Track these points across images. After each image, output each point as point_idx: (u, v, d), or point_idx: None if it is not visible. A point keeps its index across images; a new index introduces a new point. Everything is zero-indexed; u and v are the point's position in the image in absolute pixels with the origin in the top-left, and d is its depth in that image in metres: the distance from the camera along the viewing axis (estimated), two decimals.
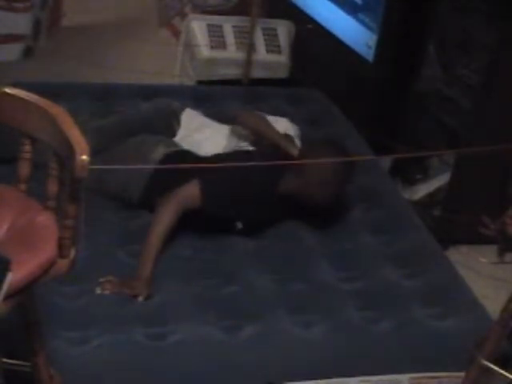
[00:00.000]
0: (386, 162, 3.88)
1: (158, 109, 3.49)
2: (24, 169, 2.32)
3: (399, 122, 3.86)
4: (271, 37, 4.67)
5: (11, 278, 1.82)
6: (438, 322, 2.87)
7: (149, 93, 3.81)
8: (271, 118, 3.42)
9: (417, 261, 3.14)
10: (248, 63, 4.51)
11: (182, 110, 3.48)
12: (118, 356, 2.54)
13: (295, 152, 3.21)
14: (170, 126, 3.43)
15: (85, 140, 2.11)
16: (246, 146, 3.36)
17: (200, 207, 3.01)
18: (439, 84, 3.71)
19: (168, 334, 2.61)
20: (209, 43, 4.55)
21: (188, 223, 3.02)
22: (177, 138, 3.41)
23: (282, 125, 3.43)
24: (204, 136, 3.41)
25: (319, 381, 2.70)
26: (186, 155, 3.26)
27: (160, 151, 3.22)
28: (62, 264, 2.16)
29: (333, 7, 4.23)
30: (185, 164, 3.08)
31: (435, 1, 3.73)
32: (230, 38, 4.61)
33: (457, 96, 3.61)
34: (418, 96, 3.85)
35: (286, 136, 3.35)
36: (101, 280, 2.76)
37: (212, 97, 3.97)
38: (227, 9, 4.95)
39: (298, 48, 4.67)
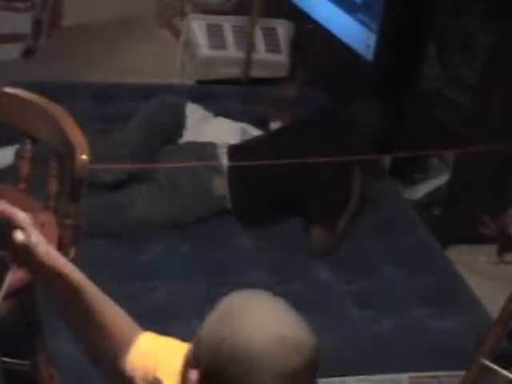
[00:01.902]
0: (386, 161, 3.87)
1: (164, 102, 3.54)
2: (24, 168, 2.32)
3: (399, 121, 3.85)
4: (271, 36, 4.66)
5: (11, 277, 1.82)
6: (438, 321, 2.87)
7: (149, 93, 3.81)
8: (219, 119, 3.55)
9: (417, 260, 3.14)
10: (248, 63, 4.51)
11: (185, 103, 3.55)
12: None
13: None
14: (177, 117, 3.48)
15: (85, 140, 2.11)
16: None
17: None
18: (439, 84, 3.71)
19: (168, 333, 2.61)
20: (208, 43, 4.55)
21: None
22: (185, 128, 3.50)
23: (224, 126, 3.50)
24: (217, 128, 3.54)
25: (319, 380, 2.70)
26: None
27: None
28: None
29: (332, 7, 4.23)
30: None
31: (435, 1, 3.73)
32: (229, 37, 4.60)
33: (457, 96, 3.60)
34: (417, 96, 3.84)
35: None
36: None
37: (212, 96, 3.97)
38: (227, 9, 4.94)
39: (298, 48, 4.67)
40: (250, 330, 1.32)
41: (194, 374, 1.36)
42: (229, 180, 3.19)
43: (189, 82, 4.54)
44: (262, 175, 3.19)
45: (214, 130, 3.52)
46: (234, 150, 3.29)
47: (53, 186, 2.25)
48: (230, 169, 3.21)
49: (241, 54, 4.52)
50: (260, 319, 1.34)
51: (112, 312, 1.56)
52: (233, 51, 4.57)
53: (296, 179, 3.18)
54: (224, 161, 3.24)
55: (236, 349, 1.31)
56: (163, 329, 2.61)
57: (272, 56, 4.63)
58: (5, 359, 2.25)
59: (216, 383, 1.33)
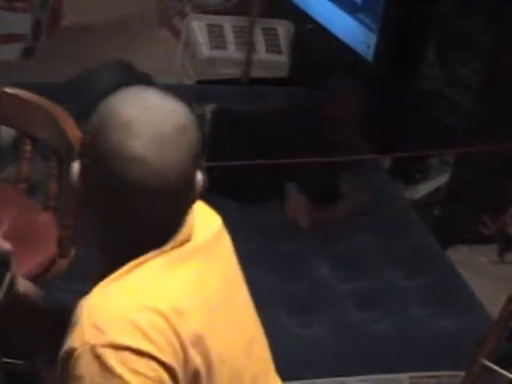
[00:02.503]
0: (386, 161, 3.88)
1: None
2: (24, 169, 2.32)
3: (399, 121, 3.85)
4: (271, 37, 4.66)
5: (10, 277, 1.82)
6: (438, 321, 2.87)
7: None
8: None
9: (417, 261, 3.14)
10: (248, 63, 4.51)
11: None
12: None
13: None
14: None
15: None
16: None
17: None
18: (439, 84, 3.71)
19: None
20: (209, 43, 4.55)
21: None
22: None
23: None
24: None
25: (319, 380, 2.70)
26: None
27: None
28: (62, 263, 2.16)
29: (333, 7, 4.23)
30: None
31: (435, 1, 3.73)
32: (229, 37, 4.60)
33: (457, 96, 3.61)
34: (418, 96, 3.85)
35: None
36: None
37: (212, 96, 3.96)
38: (227, 9, 4.94)
39: (298, 48, 4.67)
40: (119, 105, 1.36)
41: (76, 164, 1.40)
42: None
43: (189, 82, 4.54)
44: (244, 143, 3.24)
45: None
46: (219, 113, 3.42)
47: (53, 187, 2.24)
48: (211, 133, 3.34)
49: (241, 55, 4.52)
50: (127, 99, 1.38)
51: None
52: (233, 51, 4.57)
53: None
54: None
55: (107, 121, 1.34)
56: None
57: (272, 56, 4.64)
58: (5, 359, 2.25)
59: (95, 163, 1.35)
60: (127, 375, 1.29)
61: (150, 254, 1.38)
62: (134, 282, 1.37)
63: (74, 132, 2.14)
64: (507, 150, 3.27)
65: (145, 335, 1.31)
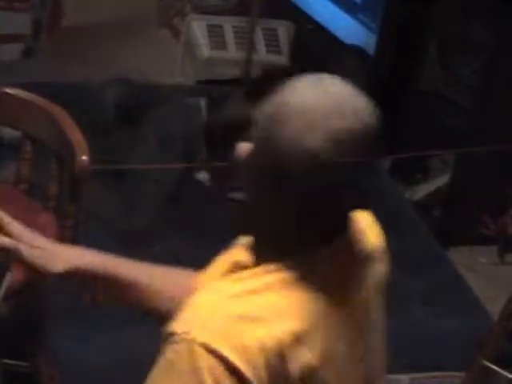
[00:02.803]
0: (385, 162, 3.87)
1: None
2: (24, 169, 2.32)
3: (399, 121, 3.85)
4: (271, 37, 4.66)
5: (10, 278, 1.82)
6: (439, 321, 2.87)
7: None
8: None
9: (417, 261, 3.14)
10: (248, 63, 4.51)
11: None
12: (119, 355, 2.53)
13: None
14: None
15: (84, 140, 2.11)
16: None
17: None
18: (439, 84, 3.71)
19: None
20: (209, 43, 4.55)
21: None
22: None
23: None
24: None
25: None
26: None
27: None
28: None
29: (333, 7, 4.23)
30: None
31: (435, 1, 3.73)
32: (230, 37, 4.61)
33: (457, 96, 3.60)
34: (417, 96, 3.84)
35: None
36: None
37: (212, 97, 3.96)
38: (227, 9, 4.94)
39: (298, 48, 4.67)
40: (303, 92, 1.29)
41: (244, 145, 1.32)
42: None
43: (189, 82, 4.54)
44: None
45: None
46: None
47: (53, 187, 2.24)
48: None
49: (241, 55, 4.52)
50: (316, 86, 1.32)
51: (156, 274, 1.57)
52: (233, 51, 4.57)
53: None
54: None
55: (289, 107, 1.27)
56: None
57: (272, 57, 4.64)
58: (5, 361, 2.25)
59: (268, 149, 1.27)
60: None
61: (293, 261, 1.28)
62: (259, 290, 1.26)
63: (73, 132, 2.14)
64: (507, 149, 3.27)
65: (245, 352, 1.21)
